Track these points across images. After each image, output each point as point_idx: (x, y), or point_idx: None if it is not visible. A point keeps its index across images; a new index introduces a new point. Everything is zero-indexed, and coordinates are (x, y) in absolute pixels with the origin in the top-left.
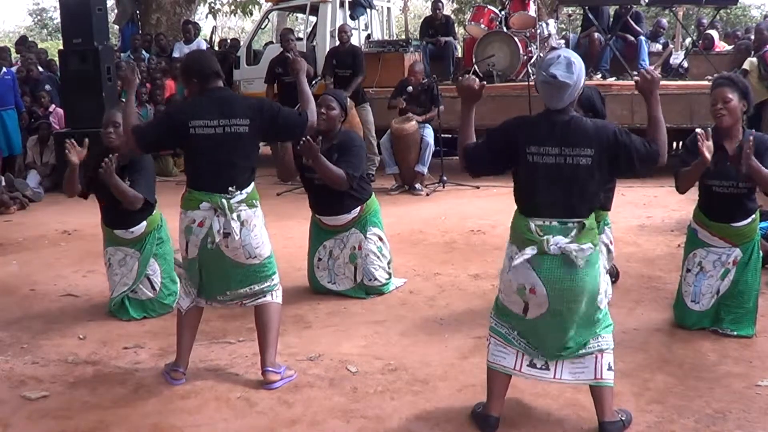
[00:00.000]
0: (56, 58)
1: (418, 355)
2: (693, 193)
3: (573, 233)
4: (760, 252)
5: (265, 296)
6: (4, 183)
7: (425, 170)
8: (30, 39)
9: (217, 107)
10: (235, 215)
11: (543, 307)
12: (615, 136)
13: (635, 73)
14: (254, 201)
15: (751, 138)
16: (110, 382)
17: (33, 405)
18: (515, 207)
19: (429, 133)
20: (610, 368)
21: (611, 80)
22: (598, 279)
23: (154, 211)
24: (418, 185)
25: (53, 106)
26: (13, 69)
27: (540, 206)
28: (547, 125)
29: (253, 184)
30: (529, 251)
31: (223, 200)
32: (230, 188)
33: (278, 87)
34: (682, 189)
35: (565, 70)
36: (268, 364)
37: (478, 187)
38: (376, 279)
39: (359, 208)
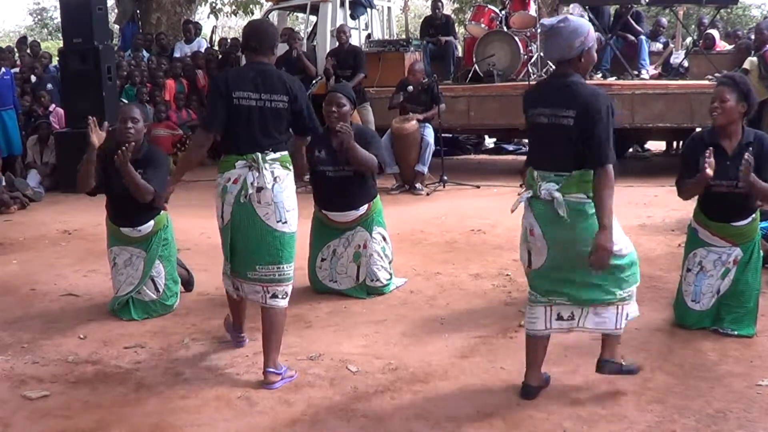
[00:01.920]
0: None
1: (418, 354)
2: None
3: (563, 182)
4: (761, 252)
5: (283, 298)
6: (4, 182)
7: (425, 170)
8: (31, 38)
9: (256, 81)
10: (268, 169)
11: (543, 253)
12: (598, 107)
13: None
14: (288, 164)
15: (750, 157)
16: (111, 382)
17: (33, 404)
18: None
19: (429, 133)
20: (627, 317)
21: (612, 80)
22: (594, 229)
23: (162, 211)
24: (418, 185)
25: (53, 105)
26: (14, 69)
27: (538, 160)
28: (546, 89)
29: (287, 153)
30: (525, 194)
31: (258, 154)
32: (267, 150)
33: None
34: (683, 198)
35: (554, 19)
36: (270, 364)
37: (478, 187)
38: (378, 279)
39: (367, 205)
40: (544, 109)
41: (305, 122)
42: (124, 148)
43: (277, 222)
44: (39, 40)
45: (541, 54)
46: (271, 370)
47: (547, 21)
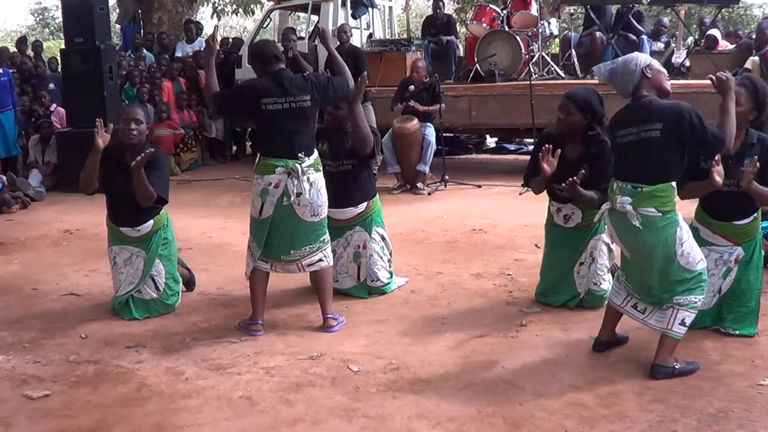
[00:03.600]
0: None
1: (419, 354)
2: None
3: (638, 196)
4: (762, 251)
5: (322, 261)
6: (6, 182)
7: (427, 169)
8: (33, 38)
9: (281, 86)
10: (305, 177)
11: (628, 253)
12: (684, 115)
13: (710, 76)
14: (318, 166)
15: (756, 160)
16: (112, 382)
17: (35, 404)
18: (519, 205)
19: (431, 132)
20: (682, 323)
21: None
22: (665, 241)
23: (161, 211)
24: (419, 184)
25: (54, 105)
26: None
27: (620, 172)
28: (629, 112)
29: (316, 152)
30: (604, 207)
31: (297, 165)
32: (299, 155)
33: None
34: (682, 198)
35: (606, 66)
36: (328, 312)
37: (479, 186)
38: (378, 279)
39: (366, 204)
40: (631, 129)
41: (336, 94)
42: (144, 154)
43: (311, 216)
44: (41, 40)
45: (543, 54)
46: (330, 316)
47: (600, 70)
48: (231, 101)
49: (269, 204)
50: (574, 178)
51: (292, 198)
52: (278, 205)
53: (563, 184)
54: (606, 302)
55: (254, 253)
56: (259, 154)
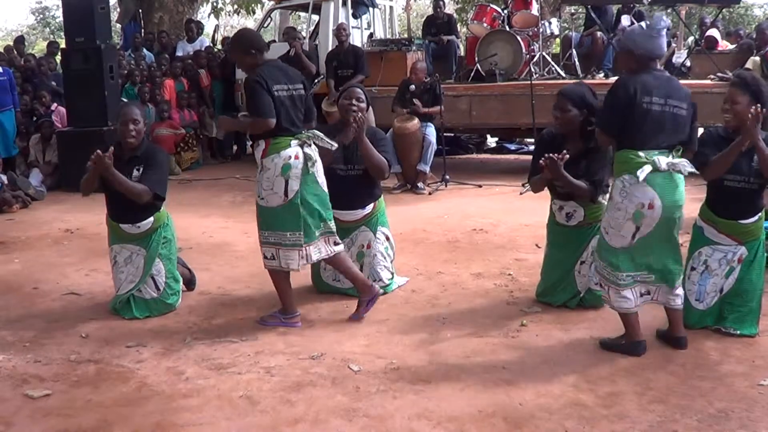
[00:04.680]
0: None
1: (420, 354)
2: (696, 193)
3: (672, 155)
4: (765, 252)
5: (339, 243)
6: (6, 181)
7: (427, 169)
8: (34, 38)
9: (283, 75)
10: (315, 145)
11: (654, 222)
12: (694, 105)
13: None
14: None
15: (760, 109)
16: (113, 381)
17: (35, 403)
18: (520, 205)
19: (431, 132)
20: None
21: (614, 79)
22: (683, 197)
23: (161, 208)
24: (420, 184)
25: (55, 104)
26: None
27: (646, 140)
28: (654, 81)
29: None
30: (647, 168)
31: (309, 132)
32: (303, 131)
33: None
34: (711, 176)
35: (665, 22)
36: (367, 281)
37: (480, 186)
38: (380, 279)
39: (372, 205)
40: (658, 99)
41: (312, 108)
42: (99, 153)
43: (322, 183)
44: (40, 40)
45: (543, 53)
46: (371, 283)
47: (663, 22)
48: (269, 99)
49: (294, 178)
50: (553, 155)
51: (315, 163)
52: (304, 177)
53: (542, 161)
54: (604, 305)
55: (287, 243)
56: (264, 142)
